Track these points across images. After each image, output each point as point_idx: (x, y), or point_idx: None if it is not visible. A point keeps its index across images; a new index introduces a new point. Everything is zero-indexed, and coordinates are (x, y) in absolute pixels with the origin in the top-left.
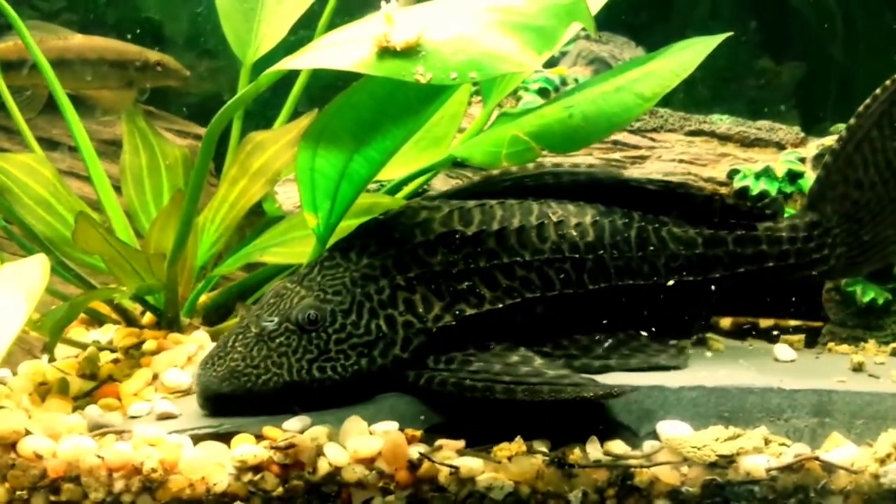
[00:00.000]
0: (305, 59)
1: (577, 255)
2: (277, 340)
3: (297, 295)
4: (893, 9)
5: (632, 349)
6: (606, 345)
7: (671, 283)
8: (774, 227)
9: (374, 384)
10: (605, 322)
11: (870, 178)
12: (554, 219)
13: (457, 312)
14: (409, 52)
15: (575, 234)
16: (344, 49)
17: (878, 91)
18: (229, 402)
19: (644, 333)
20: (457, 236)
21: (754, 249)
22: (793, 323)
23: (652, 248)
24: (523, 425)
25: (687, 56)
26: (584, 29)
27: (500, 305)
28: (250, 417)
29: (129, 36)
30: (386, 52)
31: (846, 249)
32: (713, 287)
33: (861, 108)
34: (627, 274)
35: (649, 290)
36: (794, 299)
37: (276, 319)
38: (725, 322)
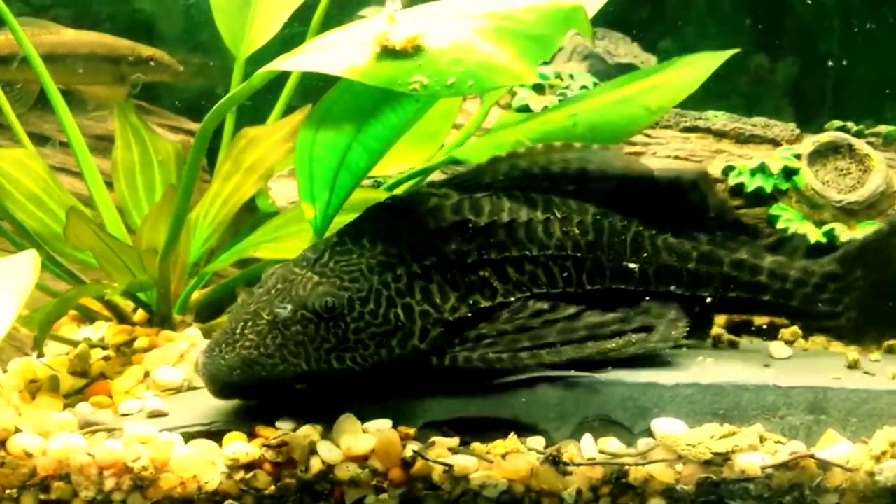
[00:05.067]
0: (298, 61)
1: (578, 255)
2: (293, 329)
3: (311, 281)
4: (890, 5)
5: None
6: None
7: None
8: (784, 262)
9: (392, 374)
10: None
11: None
12: (559, 214)
13: (471, 303)
14: (405, 59)
15: (577, 231)
16: (338, 52)
17: None
18: (239, 390)
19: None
20: (469, 225)
21: (751, 278)
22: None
23: (645, 255)
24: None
25: (694, 72)
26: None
27: (511, 299)
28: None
29: (120, 31)
30: (382, 57)
31: (857, 314)
32: (700, 306)
33: None
34: (620, 278)
35: (638, 297)
36: None
37: (290, 307)
38: (720, 319)
